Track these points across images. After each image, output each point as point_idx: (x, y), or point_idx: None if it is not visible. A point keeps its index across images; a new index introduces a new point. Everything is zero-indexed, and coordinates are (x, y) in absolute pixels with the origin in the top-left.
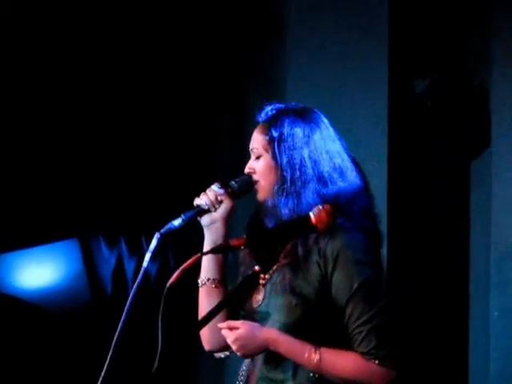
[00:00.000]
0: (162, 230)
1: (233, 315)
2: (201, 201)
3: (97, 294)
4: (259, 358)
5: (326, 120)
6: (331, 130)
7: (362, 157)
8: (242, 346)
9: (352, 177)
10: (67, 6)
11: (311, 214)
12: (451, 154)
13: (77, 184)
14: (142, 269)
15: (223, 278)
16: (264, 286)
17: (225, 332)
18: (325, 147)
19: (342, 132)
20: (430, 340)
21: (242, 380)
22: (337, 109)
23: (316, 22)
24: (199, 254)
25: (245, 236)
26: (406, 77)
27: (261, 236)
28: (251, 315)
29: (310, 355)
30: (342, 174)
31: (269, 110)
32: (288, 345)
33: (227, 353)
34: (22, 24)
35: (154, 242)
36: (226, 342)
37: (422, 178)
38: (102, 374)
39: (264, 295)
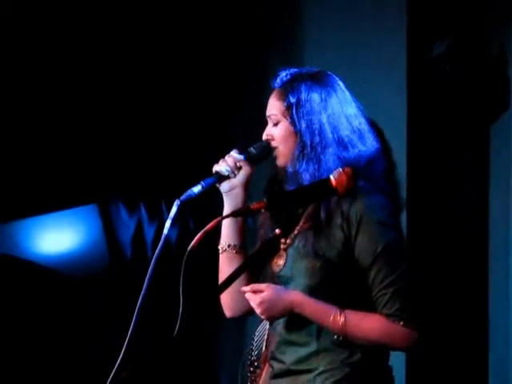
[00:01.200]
0: (182, 197)
1: (253, 280)
2: (220, 167)
3: (116, 260)
4: (280, 322)
5: (341, 83)
6: (347, 92)
7: (382, 122)
8: (268, 309)
9: (370, 139)
10: (67, 6)
11: (331, 177)
12: (471, 117)
13: (96, 149)
14: (163, 236)
15: (243, 244)
16: (285, 250)
17: (249, 295)
18: (342, 111)
19: (361, 98)
20: (450, 313)
21: (259, 343)
22: (355, 75)
23: None
24: (220, 218)
25: (265, 199)
26: (424, 39)
27: (281, 199)
28: (272, 279)
29: (335, 317)
30: (360, 136)
31: (283, 75)
32: (313, 307)
33: None
34: (22, 24)
35: (173, 209)
36: (247, 307)
37: (442, 142)
38: (126, 341)
39: (286, 259)
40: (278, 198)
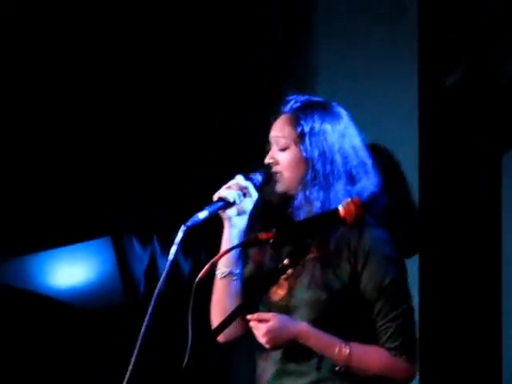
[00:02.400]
0: (188, 223)
1: (249, 307)
2: (227, 193)
3: (130, 293)
4: (278, 351)
5: (347, 115)
6: (353, 124)
7: (393, 152)
8: (273, 339)
9: (373, 173)
10: (67, 6)
11: (340, 207)
12: (482, 147)
13: (110, 182)
14: (168, 261)
15: (242, 271)
16: (286, 279)
17: (254, 324)
18: (351, 142)
19: (373, 127)
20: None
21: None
22: (366, 104)
23: (345, 18)
24: (228, 249)
25: (274, 229)
26: (435, 71)
27: (290, 229)
28: (271, 309)
29: (340, 349)
30: (365, 170)
31: (293, 101)
32: (318, 339)
33: None
34: (22, 24)
35: (179, 235)
36: (240, 333)
37: (454, 171)
38: (129, 368)
39: (288, 289)
40: (287, 229)
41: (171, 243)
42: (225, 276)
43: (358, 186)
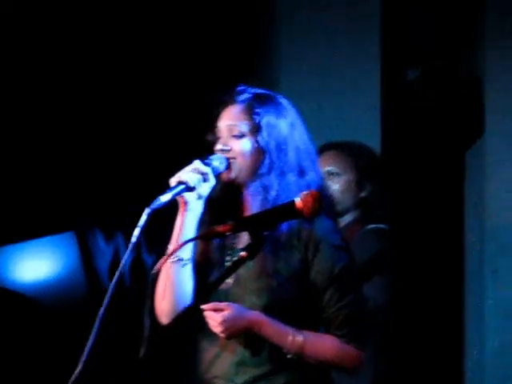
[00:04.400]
0: (152, 206)
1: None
2: (188, 177)
3: (94, 287)
4: (229, 342)
5: (294, 108)
6: (299, 118)
7: None
8: (228, 328)
9: (318, 167)
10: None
11: (297, 199)
12: (445, 142)
13: (73, 177)
14: (131, 244)
15: (193, 259)
16: (232, 267)
17: (210, 314)
18: (300, 135)
19: (336, 121)
20: (426, 326)
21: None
22: (329, 98)
23: (308, 15)
24: (185, 241)
25: (231, 222)
26: (398, 65)
27: (247, 222)
28: (220, 298)
29: (294, 337)
30: (313, 163)
31: (246, 92)
32: (272, 327)
33: None
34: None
35: (143, 217)
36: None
37: (416, 168)
38: (82, 359)
39: (235, 277)
40: (244, 221)
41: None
42: (176, 262)
43: (307, 178)
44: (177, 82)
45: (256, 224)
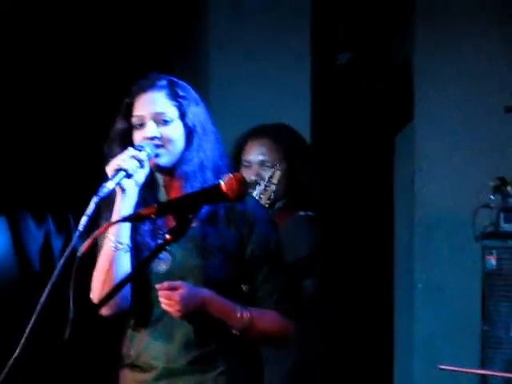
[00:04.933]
0: (100, 194)
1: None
2: (126, 164)
3: (24, 271)
4: (168, 323)
5: None
6: None
7: None
8: (185, 307)
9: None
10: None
11: (221, 182)
12: (375, 127)
13: (2, 162)
14: (77, 232)
15: (131, 245)
16: (164, 249)
17: (165, 293)
18: (210, 119)
19: (266, 106)
20: (357, 313)
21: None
22: (259, 83)
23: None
24: (110, 223)
25: (155, 205)
26: (328, 50)
27: (171, 204)
28: (157, 280)
29: (241, 314)
30: (218, 145)
31: (162, 78)
32: (222, 304)
33: None
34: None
35: (91, 206)
36: (124, 306)
37: (346, 152)
38: (22, 342)
39: (173, 258)
40: (168, 204)
41: (65, 223)
42: (113, 246)
43: (225, 161)
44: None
45: (180, 207)
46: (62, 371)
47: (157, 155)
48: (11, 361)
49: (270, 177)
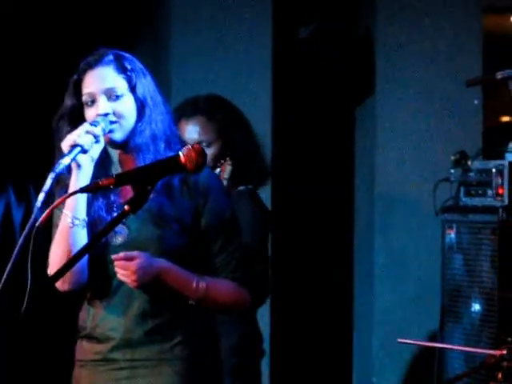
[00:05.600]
0: (57, 170)
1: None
2: (82, 140)
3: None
4: (126, 293)
5: None
6: None
7: (247, 104)
8: (141, 276)
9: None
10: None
11: (180, 153)
12: (336, 101)
13: None
14: (36, 208)
15: (87, 219)
16: (119, 221)
17: (122, 263)
18: (161, 93)
19: (227, 79)
20: (317, 287)
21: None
22: (221, 56)
23: None
24: (68, 194)
25: (114, 175)
26: (290, 23)
27: (130, 175)
28: (114, 252)
29: (197, 284)
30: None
31: (110, 54)
32: (178, 274)
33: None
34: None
35: (48, 182)
36: (81, 282)
37: (307, 125)
38: None
39: (127, 231)
40: (126, 175)
41: (26, 194)
42: (74, 223)
43: (175, 131)
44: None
45: (139, 177)
46: (18, 345)
47: (110, 131)
48: None
49: (221, 171)
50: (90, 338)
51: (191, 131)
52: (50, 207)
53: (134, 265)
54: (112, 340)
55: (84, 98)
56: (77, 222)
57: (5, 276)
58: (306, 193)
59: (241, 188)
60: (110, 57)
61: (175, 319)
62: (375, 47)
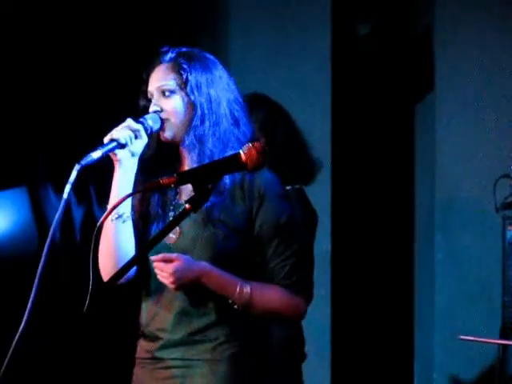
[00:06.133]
0: (82, 162)
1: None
2: (118, 135)
3: (45, 242)
4: (173, 293)
5: (220, 63)
6: (226, 72)
7: (307, 102)
8: (179, 279)
9: (249, 120)
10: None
11: (241, 151)
12: (395, 97)
13: (24, 131)
14: (63, 201)
15: (133, 216)
16: (176, 222)
17: (160, 265)
18: (229, 87)
19: (287, 79)
20: (377, 283)
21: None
22: (281, 56)
23: None
24: (129, 194)
25: (175, 174)
26: (348, 20)
27: (191, 174)
28: (164, 251)
29: (241, 289)
30: (245, 115)
31: (170, 51)
32: (220, 278)
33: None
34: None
35: (73, 174)
36: (129, 275)
37: (366, 123)
38: (25, 316)
39: (181, 231)
40: (187, 174)
41: (86, 193)
42: (116, 218)
43: (241, 129)
44: (121, 39)
45: (200, 176)
46: (81, 344)
47: (162, 128)
48: (17, 336)
49: None
50: (144, 335)
51: None
52: (111, 206)
53: (171, 267)
54: (160, 339)
55: (146, 96)
56: (120, 217)
57: (39, 271)
58: (366, 191)
59: (287, 188)
60: (171, 55)
61: (219, 320)
62: (434, 44)
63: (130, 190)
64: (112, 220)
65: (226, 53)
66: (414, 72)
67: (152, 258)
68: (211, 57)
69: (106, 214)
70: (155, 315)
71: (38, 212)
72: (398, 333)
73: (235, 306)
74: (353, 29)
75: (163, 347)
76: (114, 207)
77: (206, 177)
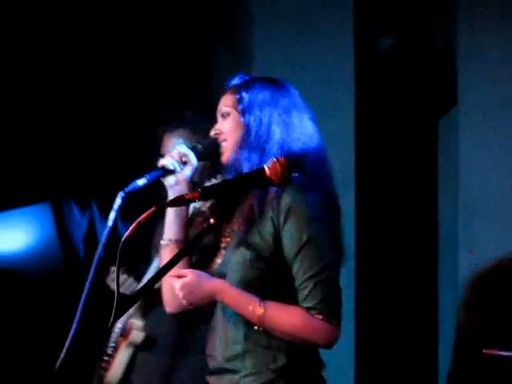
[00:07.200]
0: (126, 189)
1: None
2: (166, 161)
3: (69, 258)
4: (219, 318)
5: (296, 91)
6: (300, 99)
7: (330, 117)
8: (189, 293)
9: (316, 139)
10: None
11: (265, 167)
12: (418, 111)
13: (48, 148)
14: (107, 227)
15: (185, 239)
16: (225, 248)
17: (172, 280)
18: (291, 111)
19: (309, 92)
20: (401, 298)
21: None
22: (302, 71)
23: None
24: (154, 208)
25: (199, 189)
26: (371, 34)
27: (215, 188)
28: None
29: (254, 308)
30: (305, 134)
31: (237, 78)
32: (234, 296)
33: None
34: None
35: (118, 201)
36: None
37: (389, 136)
38: (71, 333)
39: (224, 257)
40: (212, 188)
41: (110, 209)
42: (168, 244)
43: (296, 148)
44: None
45: (225, 191)
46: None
47: (222, 151)
48: (63, 354)
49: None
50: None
51: (174, 144)
52: (136, 222)
53: (179, 282)
54: (212, 362)
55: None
56: (167, 242)
57: (86, 290)
58: (390, 203)
59: None
60: (236, 81)
61: (247, 349)
62: (457, 57)
63: (181, 214)
64: (165, 246)
65: (248, 65)
66: (436, 86)
67: (168, 274)
68: (283, 84)
69: (130, 229)
70: (207, 344)
71: (62, 228)
72: (422, 339)
73: (255, 327)
74: (376, 43)
75: (213, 372)
76: (139, 223)
77: (230, 191)
